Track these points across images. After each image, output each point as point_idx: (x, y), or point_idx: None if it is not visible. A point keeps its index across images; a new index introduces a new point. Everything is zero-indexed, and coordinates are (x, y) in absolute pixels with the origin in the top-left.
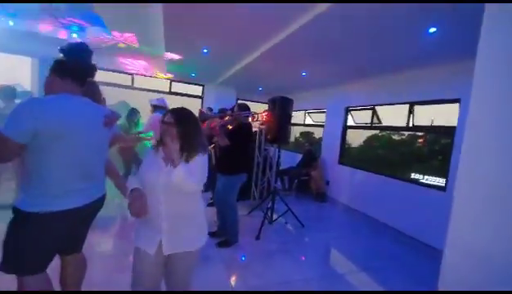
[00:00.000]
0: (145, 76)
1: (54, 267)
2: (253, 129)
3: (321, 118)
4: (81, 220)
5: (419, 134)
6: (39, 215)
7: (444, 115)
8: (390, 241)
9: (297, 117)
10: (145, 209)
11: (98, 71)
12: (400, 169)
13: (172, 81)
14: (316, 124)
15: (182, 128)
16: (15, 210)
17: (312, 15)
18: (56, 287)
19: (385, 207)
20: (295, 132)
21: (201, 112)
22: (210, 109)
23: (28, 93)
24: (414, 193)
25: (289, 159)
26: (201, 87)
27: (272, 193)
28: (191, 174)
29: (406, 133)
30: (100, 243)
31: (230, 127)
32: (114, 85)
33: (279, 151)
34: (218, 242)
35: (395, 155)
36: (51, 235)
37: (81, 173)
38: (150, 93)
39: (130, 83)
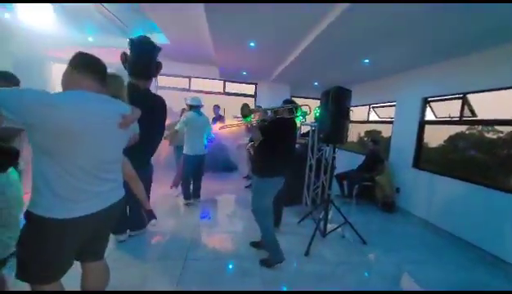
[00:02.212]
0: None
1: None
2: (304, 128)
3: (389, 112)
4: (97, 225)
5: None
6: (48, 220)
7: None
8: (493, 273)
9: (359, 113)
10: None
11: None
12: (504, 177)
13: (225, 81)
14: (381, 120)
15: None
16: (26, 212)
17: None
18: None
19: (483, 226)
20: (359, 131)
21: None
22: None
23: None
24: None
25: (351, 161)
26: (254, 86)
27: (326, 201)
28: None
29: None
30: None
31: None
32: (174, 88)
33: (334, 152)
34: (261, 260)
35: (495, 158)
36: (61, 243)
37: (93, 176)
38: (207, 95)
39: (187, 86)
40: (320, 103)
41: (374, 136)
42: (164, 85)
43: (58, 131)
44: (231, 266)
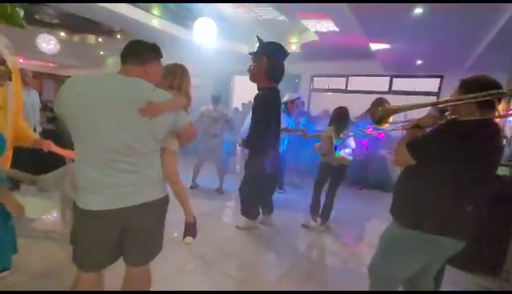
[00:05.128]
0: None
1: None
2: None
3: None
4: (116, 226)
5: None
6: (76, 208)
7: None
8: None
9: None
10: None
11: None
12: None
13: (392, 77)
14: None
15: None
16: None
17: None
18: None
19: None
20: None
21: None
22: None
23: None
24: None
25: None
26: (438, 80)
27: None
28: None
29: None
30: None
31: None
32: (329, 90)
33: None
34: None
35: None
36: (84, 232)
37: (102, 163)
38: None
39: (344, 86)
40: None
41: None
42: (317, 87)
43: (65, 115)
44: None
